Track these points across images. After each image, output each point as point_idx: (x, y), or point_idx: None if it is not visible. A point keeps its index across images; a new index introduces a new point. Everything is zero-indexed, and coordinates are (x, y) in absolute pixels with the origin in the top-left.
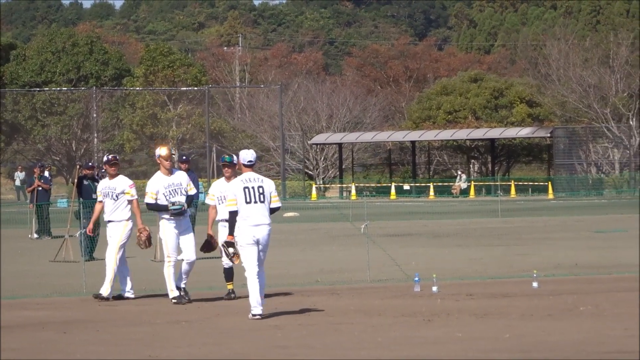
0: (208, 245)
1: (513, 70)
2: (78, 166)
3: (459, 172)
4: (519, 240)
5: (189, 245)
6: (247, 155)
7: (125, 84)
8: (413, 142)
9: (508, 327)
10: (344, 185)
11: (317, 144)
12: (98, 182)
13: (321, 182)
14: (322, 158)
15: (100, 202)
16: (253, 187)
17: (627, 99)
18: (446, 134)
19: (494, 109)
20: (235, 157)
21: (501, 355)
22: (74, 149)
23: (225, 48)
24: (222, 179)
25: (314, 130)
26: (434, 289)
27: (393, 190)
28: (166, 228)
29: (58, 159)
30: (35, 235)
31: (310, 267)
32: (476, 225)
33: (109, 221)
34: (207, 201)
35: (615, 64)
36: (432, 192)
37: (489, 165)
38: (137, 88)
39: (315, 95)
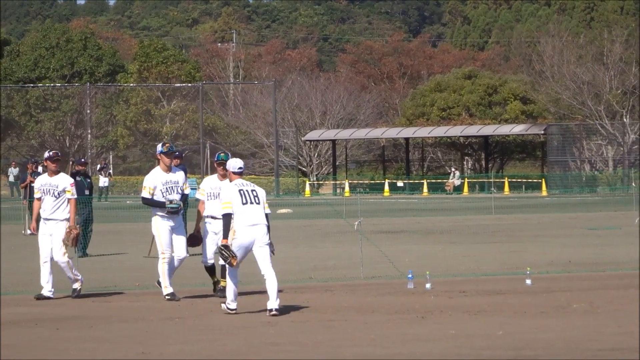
0: (194, 239)
1: (507, 67)
2: (71, 162)
3: (453, 169)
4: (513, 237)
5: (181, 242)
6: (236, 163)
7: (119, 80)
8: (407, 139)
9: (501, 325)
10: (338, 181)
11: (310, 141)
12: (90, 178)
13: (315, 178)
14: (316, 154)
15: (39, 199)
16: (247, 190)
17: (621, 96)
18: (440, 131)
19: (487, 106)
20: (230, 155)
21: (494, 352)
22: (67, 145)
23: (219, 44)
24: (215, 176)
25: (308, 127)
26: (427, 286)
27: (387, 187)
28: (159, 225)
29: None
30: (29, 232)
31: (303, 264)
32: (470, 222)
33: (49, 219)
34: (198, 196)
35: (609, 61)
36: (425, 189)
37: (483, 162)
38: (131, 84)
39: (309, 92)
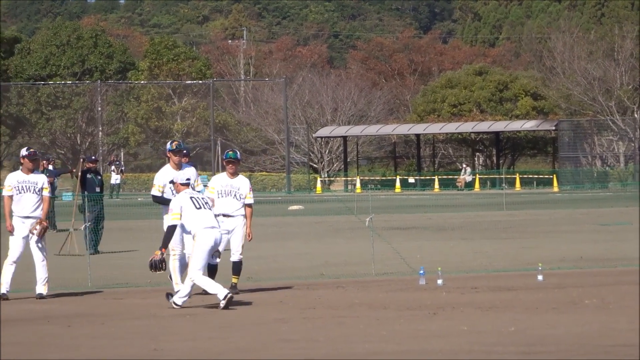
0: None
1: (518, 63)
2: (82, 159)
3: (464, 165)
4: (524, 233)
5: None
6: (184, 175)
7: (129, 78)
8: (418, 135)
9: (513, 321)
10: (349, 178)
11: (321, 137)
12: (101, 175)
13: (326, 175)
14: (327, 151)
15: (10, 196)
16: (198, 198)
17: (632, 92)
18: (451, 127)
19: (498, 102)
20: (239, 153)
21: (506, 348)
22: (78, 142)
23: (230, 41)
24: (224, 174)
25: (319, 124)
26: (439, 282)
27: (398, 184)
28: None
29: (63, 152)
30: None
31: (315, 260)
32: (481, 219)
33: (30, 217)
34: (207, 194)
35: (620, 56)
36: (437, 185)
37: (494, 158)
38: (142, 81)
39: (320, 89)
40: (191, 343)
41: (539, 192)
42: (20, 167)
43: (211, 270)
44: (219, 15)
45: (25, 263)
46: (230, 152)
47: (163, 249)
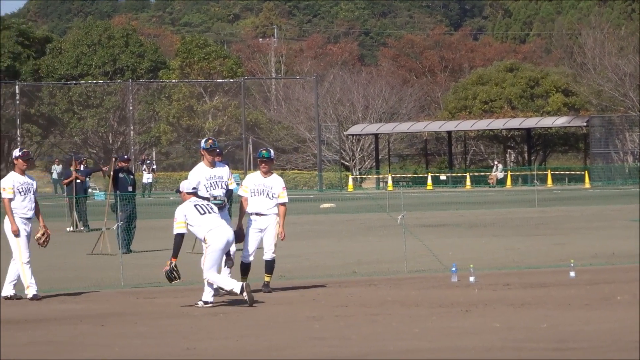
0: (236, 236)
1: (548, 59)
2: (114, 159)
3: (496, 162)
4: (556, 229)
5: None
6: (189, 184)
7: (161, 77)
8: (449, 132)
9: (545, 317)
10: (381, 176)
11: (353, 135)
12: (134, 174)
13: (357, 173)
14: (359, 149)
15: (10, 199)
16: (202, 205)
17: None
18: (482, 124)
19: (529, 99)
20: (272, 152)
21: (538, 345)
22: (110, 141)
23: (261, 39)
24: (257, 173)
25: (350, 121)
26: (471, 279)
27: (429, 181)
28: None
29: (95, 151)
30: (70, 228)
31: (347, 258)
32: (513, 215)
33: (31, 218)
34: (240, 192)
35: None
36: (468, 182)
37: (525, 155)
38: (173, 80)
39: (351, 86)
40: (223, 342)
41: (571, 189)
42: (13, 169)
43: (244, 270)
44: (250, 13)
45: (49, 263)
46: (264, 152)
47: (173, 259)
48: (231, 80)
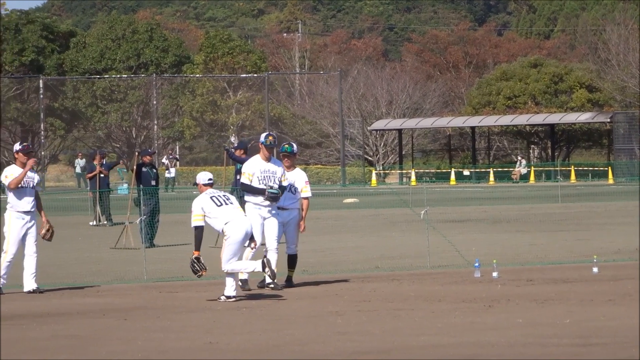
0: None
1: (573, 55)
2: (137, 153)
3: (519, 158)
4: (579, 225)
5: (273, 232)
6: (205, 176)
7: (185, 71)
8: (473, 128)
9: (568, 313)
10: (404, 171)
11: (376, 130)
12: (157, 169)
13: (381, 168)
14: (382, 144)
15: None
16: (219, 196)
17: None
18: (506, 120)
19: (553, 94)
20: (295, 147)
21: (561, 340)
22: (134, 136)
23: (285, 34)
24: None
25: (374, 116)
26: (494, 274)
27: (453, 176)
28: (252, 213)
29: (118, 146)
30: (93, 222)
31: (370, 253)
32: (536, 211)
33: (31, 212)
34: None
35: None
36: (492, 178)
37: (549, 151)
38: (197, 75)
39: (375, 81)
40: (246, 336)
41: (594, 184)
42: (14, 162)
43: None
44: (274, 8)
45: (72, 257)
46: (286, 146)
47: (195, 252)
48: (255, 75)
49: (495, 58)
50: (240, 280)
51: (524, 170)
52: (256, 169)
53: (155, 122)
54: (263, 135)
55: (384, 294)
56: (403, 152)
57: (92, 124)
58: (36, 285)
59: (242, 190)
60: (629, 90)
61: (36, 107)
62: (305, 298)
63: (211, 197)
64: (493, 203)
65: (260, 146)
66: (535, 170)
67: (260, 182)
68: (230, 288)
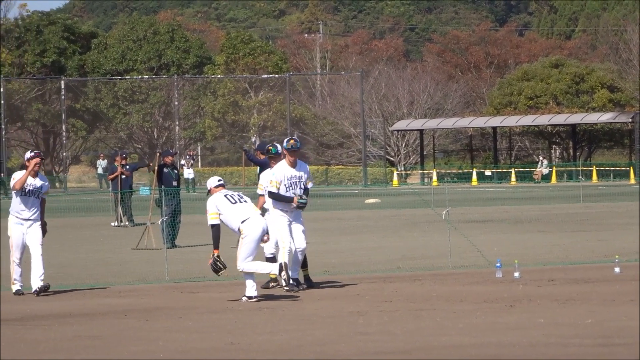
0: None
1: (594, 55)
2: (158, 154)
3: (541, 158)
4: (601, 225)
5: (300, 232)
6: (214, 180)
7: (206, 72)
8: (494, 128)
9: (590, 313)
10: (425, 171)
11: (398, 131)
12: (178, 170)
13: (402, 168)
14: (404, 144)
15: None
16: (233, 195)
17: None
18: (527, 120)
19: (575, 95)
20: (279, 147)
21: (583, 340)
22: (155, 136)
23: (306, 35)
24: (269, 171)
25: (395, 117)
26: (516, 274)
27: (474, 176)
28: (278, 218)
29: (140, 146)
30: (114, 223)
31: (391, 253)
32: (558, 211)
33: (29, 220)
34: (257, 191)
35: None
36: (513, 178)
37: (571, 151)
38: (218, 76)
39: (396, 82)
40: (268, 336)
41: (616, 185)
42: (25, 169)
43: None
44: (295, 9)
45: (94, 258)
46: (271, 148)
47: (215, 251)
48: (276, 75)
49: (516, 58)
50: (286, 285)
51: (545, 171)
52: (283, 177)
53: (177, 123)
54: (285, 141)
55: (405, 294)
56: (424, 153)
57: (113, 125)
58: (41, 284)
59: (270, 198)
60: None
61: (58, 108)
62: (326, 298)
63: (225, 196)
64: (514, 203)
65: (284, 152)
66: (557, 171)
67: (287, 189)
68: (251, 288)
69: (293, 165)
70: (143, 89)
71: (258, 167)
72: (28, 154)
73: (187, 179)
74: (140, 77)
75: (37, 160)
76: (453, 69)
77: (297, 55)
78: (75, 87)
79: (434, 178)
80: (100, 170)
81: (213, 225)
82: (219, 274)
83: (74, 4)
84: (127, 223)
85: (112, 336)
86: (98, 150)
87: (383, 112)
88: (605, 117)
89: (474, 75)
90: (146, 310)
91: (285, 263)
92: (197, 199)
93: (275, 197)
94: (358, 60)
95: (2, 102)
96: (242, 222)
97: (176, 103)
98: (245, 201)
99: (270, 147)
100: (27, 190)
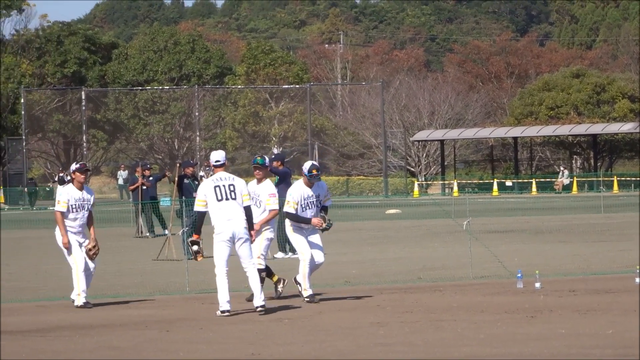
0: None
1: (615, 65)
2: (178, 165)
3: (562, 168)
4: (622, 236)
5: (318, 247)
6: (215, 156)
7: (227, 82)
8: (515, 138)
9: (611, 323)
10: (446, 181)
11: (419, 141)
12: (199, 180)
13: (423, 178)
14: (424, 155)
15: (62, 212)
16: (224, 185)
17: None
18: (548, 130)
19: (596, 105)
20: (267, 159)
21: (604, 351)
22: (176, 147)
23: (327, 45)
24: (254, 181)
25: (416, 127)
26: (537, 285)
27: (495, 187)
28: (296, 234)
29: (161, 157)
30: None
31: (412, 264)
32: (579, 221)
33: (79, 232)
34: (267, 206)
35: None
36: (534, 188)
37: (592, 161)
38: (239, 86)
39: (417, 92)
40: (288, 347)
41: (637, 195)
42: (72, 182)
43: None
44: (316, 19)
45: (114, 269)
46: (258, 158)
47: (195, 235)
48: (297, 86)
49: (537, 68)
50: (307, 296)
51: (566, 181)
52: (299, 197)
53: (198, 133)
54: (307, 166)
55: (426, 304)
56: (445, 163)
57: (134, 135)
58: (84, 301)
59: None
60: None
61: (78, 118)
62: (347, 309)
63: (215, 187)
64: (535, 214)
65: (304, 175)
66: (577, 181)
67: (304, 209)
68: (258, 299)
69: (310, 185)
70: (164, 99)
71: (277, 178)
72: (73, 166)
73: None
74: (160, 87)
75: (81, 177)
76: (474, 79)
77: (318, 65)
78: (95, 98)
79: (455, 188)
80: (120, 181)
81: (199, 212)
82: (193, 257)
83: (94, 15)
84: (147, 234)
85: (133, 347)
86: (119, 161)
87: (404, 123)
88: (626, 127)
89: (494, 86)
90: (167, 321)
91: (304, 275)
92: None
93: (293, 218)
94: (379, 70)
95: (23, 112)
96: (220, 221)
97: (197, 114)
98: (234, 198)
99: (259, 158)
100: (76, 205)
